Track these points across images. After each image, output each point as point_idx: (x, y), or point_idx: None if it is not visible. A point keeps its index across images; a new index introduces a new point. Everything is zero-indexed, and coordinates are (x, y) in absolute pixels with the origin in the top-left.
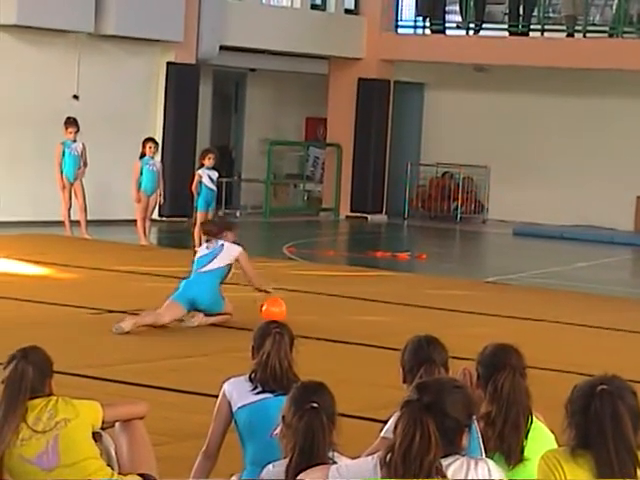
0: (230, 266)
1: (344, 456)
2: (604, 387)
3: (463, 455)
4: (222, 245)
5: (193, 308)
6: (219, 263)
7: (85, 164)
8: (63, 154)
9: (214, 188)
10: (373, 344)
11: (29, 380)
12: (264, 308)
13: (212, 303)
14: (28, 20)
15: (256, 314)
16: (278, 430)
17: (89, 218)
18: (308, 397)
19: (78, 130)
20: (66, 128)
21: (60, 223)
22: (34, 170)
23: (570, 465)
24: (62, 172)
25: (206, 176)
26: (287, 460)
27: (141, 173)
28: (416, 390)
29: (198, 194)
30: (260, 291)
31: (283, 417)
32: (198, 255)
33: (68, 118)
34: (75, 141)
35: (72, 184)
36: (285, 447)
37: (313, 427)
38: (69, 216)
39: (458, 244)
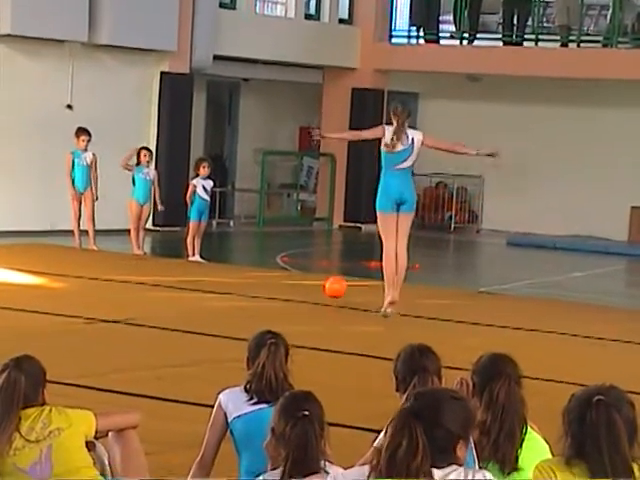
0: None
1: (335, 466)
2: (601, 397)
3: (461, 466)
4: (413, 140)
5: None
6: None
7: (95, 177)
8: (73, 164)
9: (207, 198)
10: (367, 354)
11: (22, 389)
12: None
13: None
14: (22, 30)
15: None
16: (266, 441)
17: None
18: (298, 406)
19: (90, 139)
20: (78, 137)
21: (43, 233)
22: (26, 179)
23: (565, 475)
24: (73, 182)
25: (200, 186)
26: (280, 470)
27: (133, 182)
28: (412, 398)
29: (191, 203)
30: (487, 155)
31: (272, 428)
32: (397, 149)
33: (79, 127)
34: (86, 150)
35: (82, 194)
36: (276, 458)
37: (306, 435)
38: (78, 226)
39: (452, 254)
